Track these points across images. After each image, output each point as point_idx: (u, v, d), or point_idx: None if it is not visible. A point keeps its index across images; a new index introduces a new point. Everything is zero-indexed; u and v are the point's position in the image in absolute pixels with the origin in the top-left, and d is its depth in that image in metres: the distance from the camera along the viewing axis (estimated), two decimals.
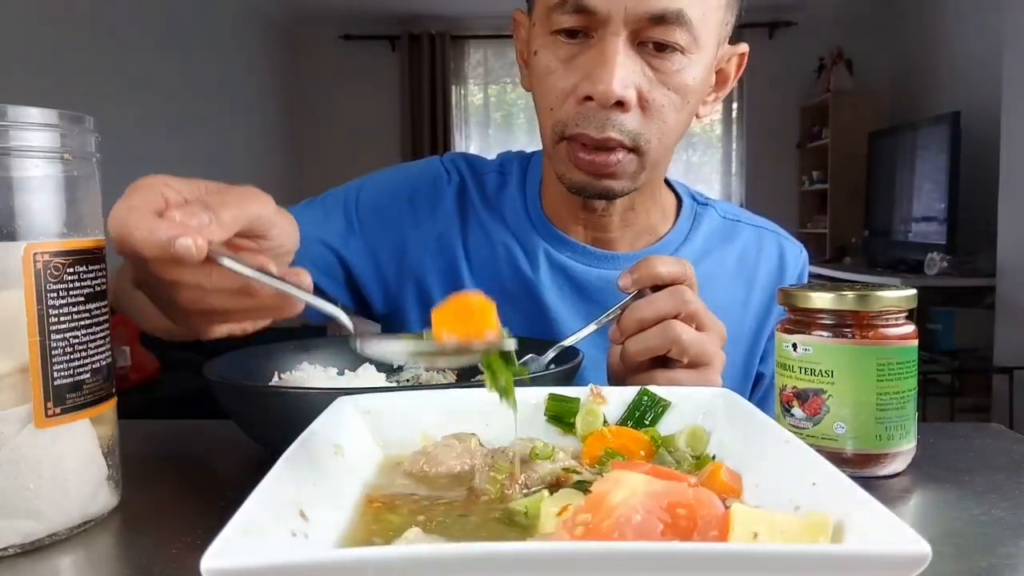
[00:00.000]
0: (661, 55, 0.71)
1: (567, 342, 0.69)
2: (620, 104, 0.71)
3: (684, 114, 0.75)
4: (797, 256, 0.93)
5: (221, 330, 0.52)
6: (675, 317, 0.64)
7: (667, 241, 0.88)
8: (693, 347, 0.64)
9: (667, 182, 0.92)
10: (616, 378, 0.69)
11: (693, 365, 0.65)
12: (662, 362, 0.66)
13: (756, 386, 0.91)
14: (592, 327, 0.68)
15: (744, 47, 0.83)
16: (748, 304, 0.89)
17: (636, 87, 0.71)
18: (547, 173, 0.87)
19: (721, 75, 0.82)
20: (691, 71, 0.73)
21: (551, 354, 0.68)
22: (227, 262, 0.44)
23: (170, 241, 0.42)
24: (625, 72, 0.70)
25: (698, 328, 0.65)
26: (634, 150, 0.74)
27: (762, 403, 0.87)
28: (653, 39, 0.70)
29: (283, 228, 0.52)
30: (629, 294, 0.67)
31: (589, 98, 0.71)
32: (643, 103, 0.72)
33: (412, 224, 0.89)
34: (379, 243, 0.88)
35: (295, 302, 0.47)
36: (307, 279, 0.47)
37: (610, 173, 0.75)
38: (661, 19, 0.69)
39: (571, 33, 0.72)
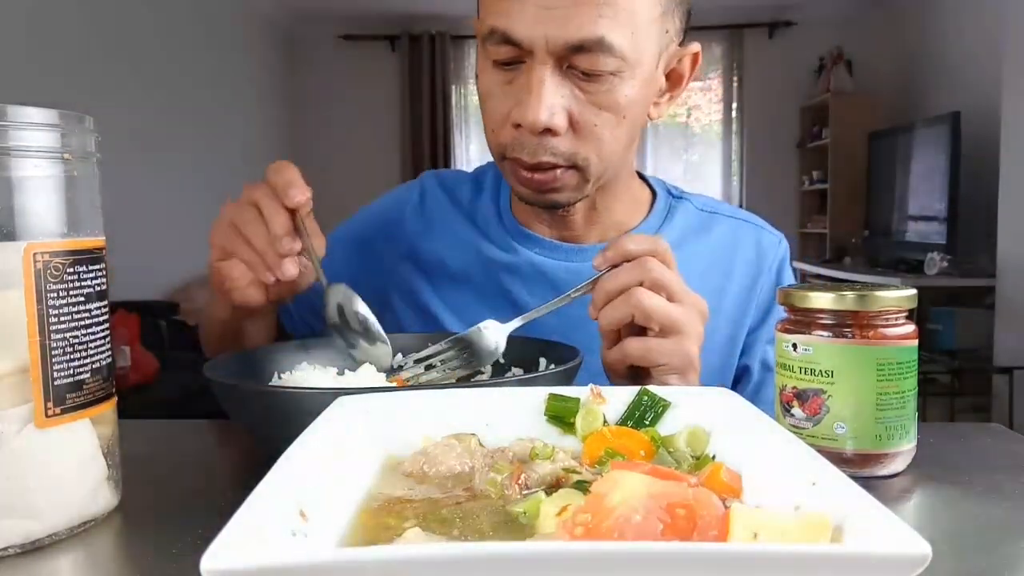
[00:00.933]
0: (589, 79, 0.72)
1: (531, 314, 0.71)
2: (549, 130, 0.72)
3: (622, 130, 0.76)
4: (776, 245, 0.93)
5: (256, 292, 0.70)
6: (640, 286, 0.65)
7: (638, 232, 0.89)
8: (659, 312, 0.64)
9: (642, 177, 0.94)
10: (602, 361, 0.70)
11: (665, 334, 0.66)
12: (637, 334, 0.67)
13: (744, 381, 0.91)
14: (557, 301, 0.70)
15: (696, 47, 0.83)
16: (724, 294, 0.89)
17: (566, 110, 0.72)
18: None
19: (674, 75, 0.83)
20: (623, 89, 0.73)
21: (516, 322, 0.71)
22: (302, 222, 0.68)
23: (288, 185, 0.67)
24: (553, 99, 0.71)
25: (669, 298, 0.65)
26: (572, 167, 0.76)
27: (752, 399, 0.87)
28: (578, 67, 0.71)
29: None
30: (600, 273, 0.68)
31: (520, 125, 0.73)
32: (575, 125, 0.74)
33: (384, 251, 0.94)
34: (360, 273, 0.93)
35: (301, 279, 0.70)
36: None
37: (551, 188, 0.77)
38: (581, 48, 0.70)
39: (506, 62, 0.74)
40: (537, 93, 0.71)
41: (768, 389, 0.88)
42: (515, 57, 0.73)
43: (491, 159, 0.98)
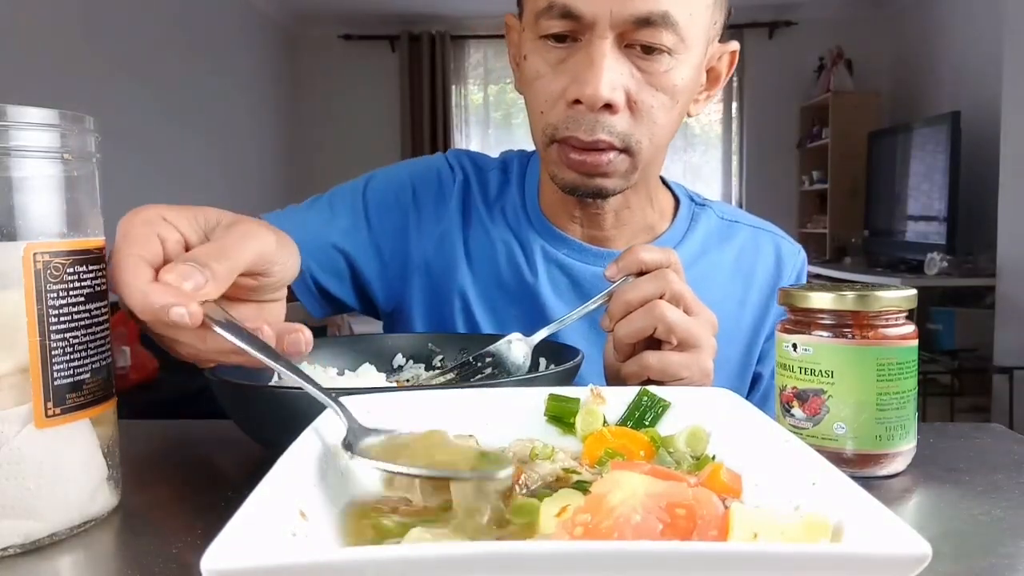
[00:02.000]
0: (649, 57, 0.71)
1: (553, 327, 0.70)
2: (608, 107, 0.71)
3: (674, 114, 0.76)
4: (795, 256, 0.93)
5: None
6: (660, 298, 0.65)
7: (664, 240, 0.88)
8: (680, 326, 0.64)
9: (665, 183, 0.92)
10: (611, 370, 0.70)
11: (683, 348, 0.65)
12: (654, 347, 0.67)
13: (754, 387, 0.91)
14: (578, 312, 0.69)
15: (735, 45, 0.83)
16: (745, 304, 0.89)
17: (624, 89, 0.71)
18: (543, 173, 0.87)
19: (712, 73, 0.83)
20: (679, 71, 0.73)
21: (542, 334, 0.70)
22: (219, 331, 0.45)
23: (164, 309, 0.44)
24: (613, 75, 0.70)
25: (685, 311, 0.65)
26: (625, 150, 0.74)
27: (761, 405, 0.87)
28: (640, 42, 0.70)
29: (284, 263, 0.53)
30: (615, 283, 0.68)
31: (578, 101, 0.72)
32: (632, 105, 0.73)
33: (416, 221, 0.90)
34: (384, 239, 0.89)
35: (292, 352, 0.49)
36: (306, 335, 0.49)
37: (602, 172, 0.75)
38: (647, 22, 0.69)
39: (559, 38, 0.72)
40: (599, 66, 0.70)
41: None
42: (570, 31, 0.71)
43: (500, 152, 0.97)
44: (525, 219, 0.88)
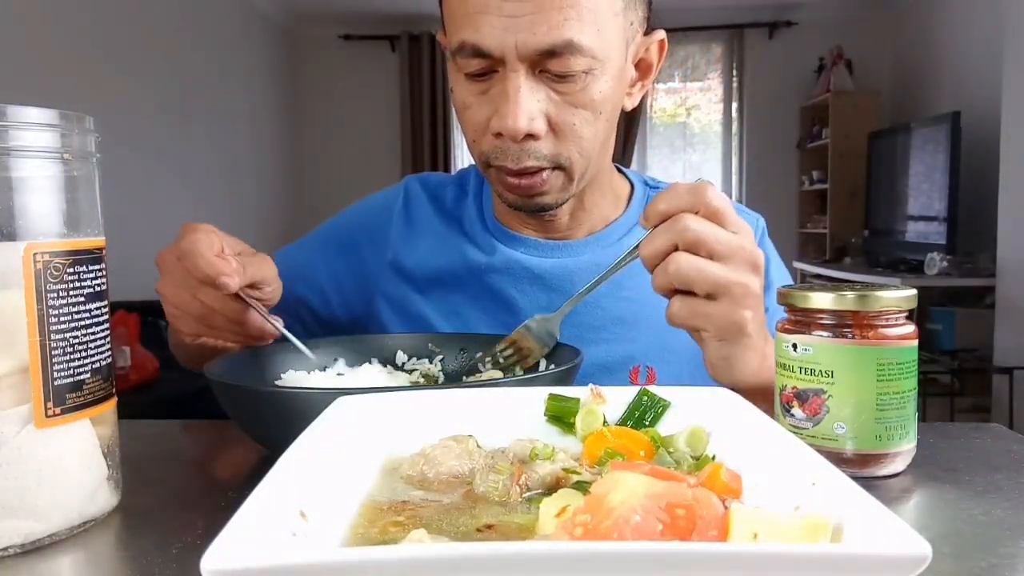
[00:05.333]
0: (563, 80, 0.73)
1: (579, 295, 0.71)
2: (531, 135, 0.73)
3: (600, 124, 0.77)
4: (754, 224, 0.93)
5: (208, 341, 0.75)
6: (676, 249, 0.61)
7: (616, 226, 0.90)
8: (698, 278, 0.60)
9: (621, 171, 0.95)
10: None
11: (713, 297, 0.61)
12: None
13: None
14: (605, 275, 0.69)
15: (661, 34, 0.83)
16: None
17: (544, 114, 0.73)
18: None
19: (643, 64, 0.84)
20: (597, 86, 0.74)
21: (566, 308, 0.72)
22: (242, 294, 0.68)
23: (219, 274, 0.65)
24: (529, 105, 0.72)
25: (711, 256, 0.61)
26: (557, 168, 0.76)
27: None
28: (551, 71, 0.72)
29: (276, 287, 0.73)
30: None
31: (501, 134, 0.74)
32: (554, 127, 0.74)
33: (369, 256, 0.94)
34: (344, 275, 0.94)
35: (267, 337, 0.73)
36: (280, 322, 0.73)
37: (539, 192, 0.78)
38: (552, 53, 0.70)
39: (478, 73, 0.74)
40: (515, 100, 0.71)
41: None
42: (487, 68, 0.73)
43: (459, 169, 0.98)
44: (482, 227, 0.91)
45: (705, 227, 0.61)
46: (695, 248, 0.60)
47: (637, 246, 0.64)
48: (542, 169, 0.75)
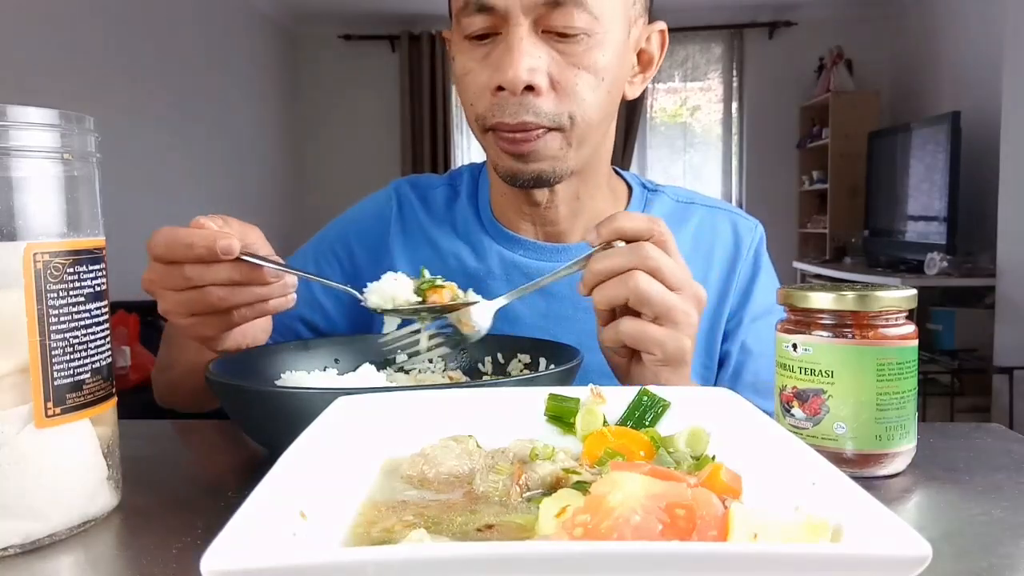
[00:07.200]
0: (566, 40, 0.74)
1: (516, 292, 0.70)
2: (531, 89, 0.74)
3: (602, 93, 0.77)
4: (752, 231, 0.93)
5: (233, 337, 0.69)
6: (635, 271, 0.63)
7: None
8: (654, 300, 0.63)
9: (619, 173, 0.95)
10: (600, 341, 0.69)
11: (660, 322, 0.64)
12: (635, 314, 0.65)
13: (723, 366, 0.91)
14: (545, 279, 0.69)
15: (662, 24, 0.85)
16: (706, 283, 0.89)
17: (547, 71, 0.74)
18: (491, 175, 0.90)
19: (644, 55, 0.85)
20: (600, 51, 0.75)
21: (502, 301, 0.70)
22: (245, 257, 0.63)
23: (215, 239, 0.61)
24: (531, 59, 0.73)
25: (667, 285, 0.64)
26: (555, 129, 0.76)
27: (733, 383, 0.88)
28: (555, 28, 0.73)
29: (269, 251, 0.68)
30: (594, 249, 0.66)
31: (501, 88, 0.74)
32: (556, 85, 0.75)
33: (365, 263, 0.94)
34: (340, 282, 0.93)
35: (289, 290, 0.67)
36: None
37: (535, 153, 0.77)
38: (556, 3, 0.72)
39: (482, 36, 0.76)
40: (517, 51, 0.73)
41: (746, 373, 0.88)
42: (490, 28, 0.74)
43: (477, 162, 0.98)
44: (479, 227, 0.91)
45: (664, 257, 0.64)
46: (655, 274, 0.63)
47: (586, 258, 0.66)
48: (540, 126, 0.75)
